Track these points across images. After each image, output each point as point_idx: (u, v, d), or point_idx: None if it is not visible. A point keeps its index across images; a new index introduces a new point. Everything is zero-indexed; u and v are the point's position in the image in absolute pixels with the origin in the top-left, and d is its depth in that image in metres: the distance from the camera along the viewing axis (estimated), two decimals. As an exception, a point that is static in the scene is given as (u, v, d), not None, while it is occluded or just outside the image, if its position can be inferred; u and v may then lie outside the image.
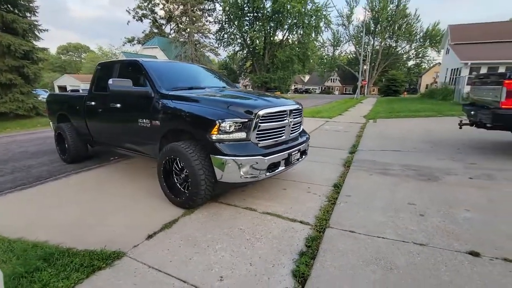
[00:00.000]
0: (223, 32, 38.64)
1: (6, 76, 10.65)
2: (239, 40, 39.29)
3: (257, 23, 34.81)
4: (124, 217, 2.90)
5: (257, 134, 2.88)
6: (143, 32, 38.16)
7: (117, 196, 3.48)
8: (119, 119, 3.87)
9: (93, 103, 4.21)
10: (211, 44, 35.54)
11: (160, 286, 1.87)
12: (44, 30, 12.34)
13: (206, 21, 37.20)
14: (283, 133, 3.20)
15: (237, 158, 2.71)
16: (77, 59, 71.91)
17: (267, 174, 2.94)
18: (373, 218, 2.74)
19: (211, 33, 34.18)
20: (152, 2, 34.36)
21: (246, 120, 2.79)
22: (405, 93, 41.80)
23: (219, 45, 39.35)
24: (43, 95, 15.04)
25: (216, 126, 2.71)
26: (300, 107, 3.61)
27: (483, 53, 20.47)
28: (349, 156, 5.25)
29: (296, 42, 38.17)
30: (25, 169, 4.84)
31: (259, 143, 2.89)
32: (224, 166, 2.72)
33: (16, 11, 11.14)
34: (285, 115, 3.16)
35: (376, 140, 6.71)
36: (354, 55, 55.58)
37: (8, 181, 4.20)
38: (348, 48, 56.92)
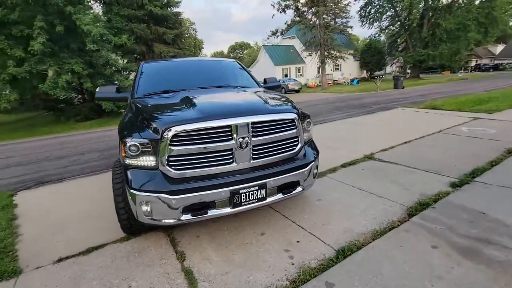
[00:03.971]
0: (369, 7, 33.74)
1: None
2: (388, 13, 33.10)
3: (415, -15, 27.75)
4: (79, 229, 2.84)
5: (171, 160, 2.01)
6: (285, 23, 39.56)
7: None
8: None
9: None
10: (344, 24, 31.95)
11: None
12: (186, 37, 15.32)
13: (351, -2, 33.58)
14: (230, 159, 2.10)
15: (137, 192, 2.01)
16: (241, 55, 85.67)
17: (187, 218, 2.04)
18: None
19: (343, 11, 30.58)
20: (294, -10, 34.66)
21: (151, 141, 2.00)
22: None
23: (364, 23, 34.81)
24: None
25: (122, 146, 2.10)
26: (281, 117, 2.27)
27: None
28: (442, 191, 3.01)
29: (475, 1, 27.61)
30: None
31: (171, 172, 2.01)
32: (132, 200, 2.10)
33: (169, 24, 14.31)
34: (228, 133, 2.04)
35: (544, 164, 3.56)
36: None
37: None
38: None
